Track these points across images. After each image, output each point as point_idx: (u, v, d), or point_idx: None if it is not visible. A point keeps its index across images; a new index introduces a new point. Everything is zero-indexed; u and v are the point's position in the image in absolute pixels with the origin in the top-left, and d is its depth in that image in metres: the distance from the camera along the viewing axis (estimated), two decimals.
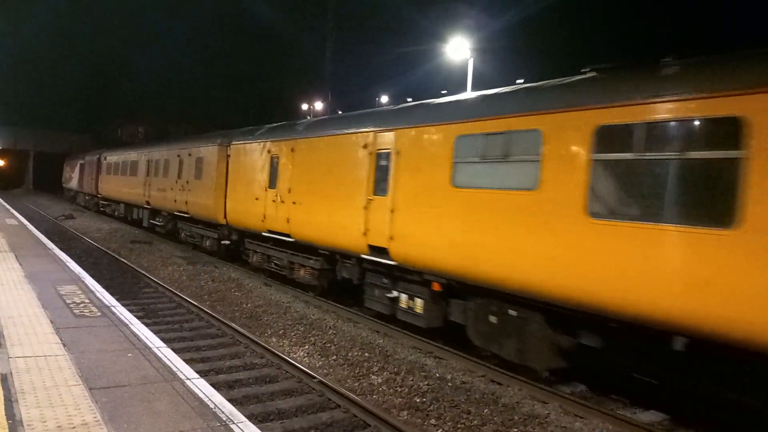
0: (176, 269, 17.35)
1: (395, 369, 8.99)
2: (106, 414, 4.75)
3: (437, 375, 8.78)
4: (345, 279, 12.55)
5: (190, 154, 20.65)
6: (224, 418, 4.87)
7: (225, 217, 17.75)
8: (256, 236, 16.02)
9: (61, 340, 6.67)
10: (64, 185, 52.01)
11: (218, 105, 71.24)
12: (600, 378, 8.58)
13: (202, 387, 5.59)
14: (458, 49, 22.89)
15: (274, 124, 17.05)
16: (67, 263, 12.40)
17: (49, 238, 17.46)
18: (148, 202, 25.15)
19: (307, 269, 13.96)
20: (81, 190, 42.34)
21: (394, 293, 10.91)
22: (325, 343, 10.29)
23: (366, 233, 11.13)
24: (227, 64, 76.99)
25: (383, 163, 10.98)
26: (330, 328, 11.27)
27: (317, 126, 14.34)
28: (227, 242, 18.12)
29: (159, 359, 6.33)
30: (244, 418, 4.95)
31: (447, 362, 9.48)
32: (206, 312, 12.06)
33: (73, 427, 4.45)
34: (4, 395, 4.95)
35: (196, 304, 12.70)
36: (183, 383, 5.64)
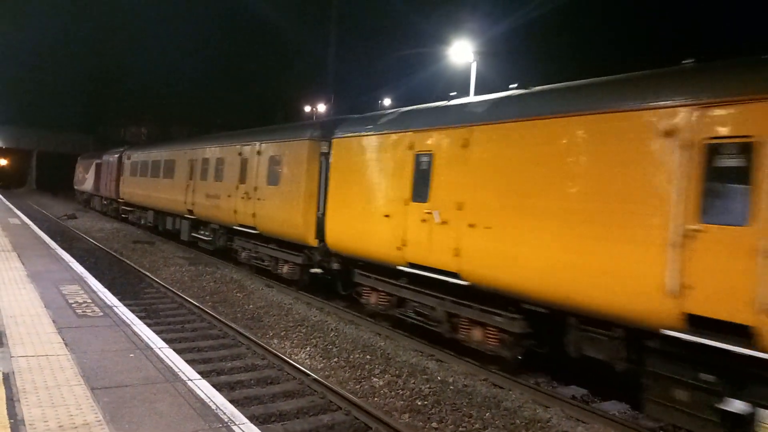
0: (178, 269, 17.35)
1: (397, 372, 8.97)
2: (108, 414, 4.75)
3: (439, 378, 8.76)
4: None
5: (259, 152, 15.97)
6: (226, 420, 4.86)
7: (319, 237, 13.27)
8: (378, 269, 11.45)
9: (63, 339, 6.67)
10: (76, 187, 47.70)
11: (220, 106, 71.29)
12: (602, 382, 8.55)
13: (203, 388, 5.58)
14: (461, 52, 22.89)
15: (410, 108, 11.85)
16: (70, 263, 12.40)
17: (52, 238, 17.47)
18: (190, 211, 20.56)
19: (495, 334, 9.11)
20: (96, 193, 38.07)
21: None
22: (326, 345, 10.28)
23: (684, 292, 6.33)
24: (229, 65, 77.10)
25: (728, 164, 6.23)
26: (332, 330, 11.26)
27: (530, 101, 8.83)
28: (318, 270, 13.83)
29: (161, 360, 6.32)
30: (245, 420, 4.94)
31: (449, 366, 9.46)
32: (208, 313, 12.06)
33: (75, 427, 4.45)
34: (6, 394, 4.95)
35: (197, 304, 12.70)
36: (185, 384, 5.63)
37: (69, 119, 68.66)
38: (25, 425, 4.41)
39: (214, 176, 18.90)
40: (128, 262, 18.04)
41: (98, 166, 37.05)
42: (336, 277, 13.53)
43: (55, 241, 16.97)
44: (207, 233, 19.71)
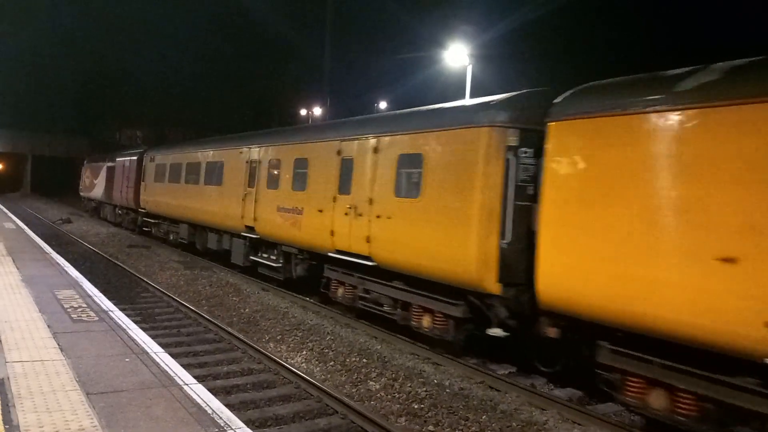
0: (174, 273, 17.32)
1: (393, 375, 8.97)
2: (104, 419, 4.74)
3: (435, 381, 8.76)
4: None
5: (377, 150, 11.15)
6: (222, 424, 4.86)
7: (503, 279, 8.65)
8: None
9: (58, 344, 6.66)
10: (82, 194, 42.58)
11: (216, 109, 71.25)
12: (598, 384, 8.56)
13: (199, 392, 5.57)
14: (457, 55, 22.95)
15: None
16: (65, 267, 12.37)
17: (47, 242, 17.43)
18: (250, 228, 15.79)
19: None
20: (108, 201, 32.75)
21: None
22: (323, 349, 10.27)
23: None
24: (225, 68, 77.07)
25: None
26: (328, 333, 11.26)
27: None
28: (498, 332, 9.00)
29: (157, 364, 6.31)
30: (241, 424, 4.94)
31: (445, 369, 9.46)
32: (204, 317, 12.04)
33: None
34: (2, 400, 4.94)
35: (193, 308, 12.67)
36: (181, 388, 5.62)
37: (63, 123, 68.49)
38: (20, 431, 4.40)
39: (291, 183, 14.14)
40: (124, 266, 18.00)
41: (110, 170, 32.26)
42: (566, 358, 8.74)
43: (50, 245, 16.93)
44: (275, 258, 14.94)
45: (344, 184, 11.94)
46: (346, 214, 11.64)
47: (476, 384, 8.79)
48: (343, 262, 11.99)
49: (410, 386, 8.50)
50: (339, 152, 12.27)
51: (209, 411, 5.11)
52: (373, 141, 11.32)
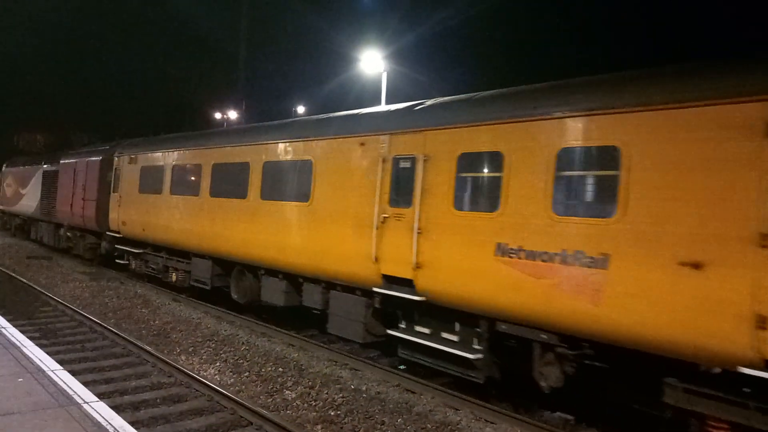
0: (78, 285, 16.38)
1: (310, 383, 8.89)
2: None
3: (352, 387, 8.76)
4: None
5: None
6: None
7: None
8: None
9: None
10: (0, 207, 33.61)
11: (123, 113, 68.10)
12: (510, 382, 8.84)
13: (101, 410, 5.29)
14: (372, 61, 23.16)
15: None
16: None
17: None
18: (398, 281, 8.94)
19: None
20: (47, 218, 24.32)
21: None
22: (237, 360, 10.03)
23: None
24: (133, 68, 73.82)
25: None
26: (243, 343, 11.00)
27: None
28: None
29: (54, 383, 5.94)
30: None
31: (362, 373, 9.48)
32: (111, 330, 11.44)
33: None
34: None
35: (99, 322, 12.02)
36: (80, 407, 5.31)
37: None
38: None
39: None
40: (21, 279, 16.83)
41: (49, 177, 24.23)
42: None
43: None
44: (462, 338, 8.38)
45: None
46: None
47: (392, 387, 8.85)
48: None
49: (327, 393, 8.45)
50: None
51: (111, 430, 4.86)
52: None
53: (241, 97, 51.61)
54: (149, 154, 16.61)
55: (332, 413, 7.75)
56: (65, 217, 21.82)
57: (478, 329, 8.03)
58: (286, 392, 8.53)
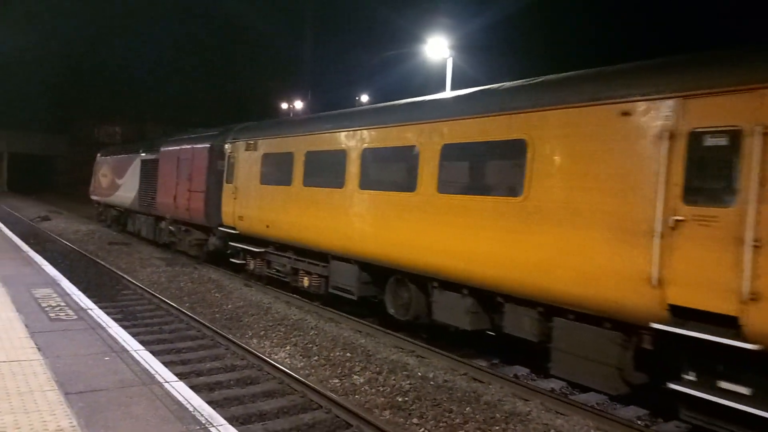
0: (155, 270, 17.14)
1: (377, 368, 8.96)
2: (82, 419, 4.66)
3: (419, 374, 8.77)
4: None
5: None
6: (203, 421, 4.80)
7: None
8: None
9: (36, 344, 6.54)
10: (94, 197, 32.08)
11: (195, 105, 70.35)
12: None
13: (180, 390, 5.51)
14: (437, 48, 22.93)
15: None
16: (43, 266, 12.17)
17: (24, 241, 17.15)
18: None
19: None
20: (146, 211, 22.66)
21: None
22: (306, 344, 10.24)
23: None
24: (201, 62, 76.01)
25: None
26: (312, 328, 11.22)
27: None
28: None
29: (137, 362, 6.23)
30: (223, 421, 4.90)
31: (429, 361, 9.48)
32: (186, 314, 11.93)
33: None
34: None
35: (175, 305, 12.54)
36: (161, 386, 5.55)
37: (40, 120, 67.37)
38: None
39: None
40: (104, 263, 17.76)
41: (148, 165, 22.70)
42: None
43: (28, 243, 16.66)
44: None
45: None
46: None
47: (460, 376, 8.81)
48: None
49: (394, 379, 8.51)
50: None
51: (191, 408, 5.05)
52: None
53: (306, 87, 52.34)
54: (274, 139, 14.28)
55: (400, 399, 7.79)
56: (167, 209, 20.05)
57: None
58: (355, 377, 8.64)
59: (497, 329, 8.86)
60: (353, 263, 11.37)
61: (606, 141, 7.00)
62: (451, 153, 9.20)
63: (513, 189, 8.03)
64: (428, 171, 9.42)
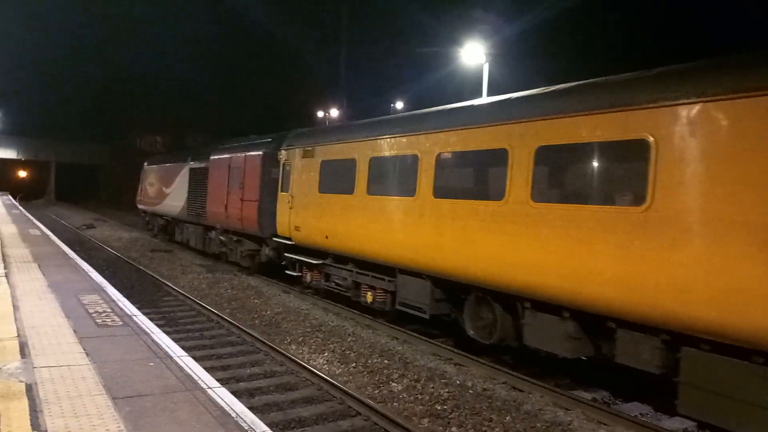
0: (196, 277, 17.46)
1: (415, 376, 8.94)
2: (130, 424, 4.77)
3: (458, 382, 8.71)
4: None
5: None
6: (246, 427, 4.86)
7: None
8: None
9: (84, 349, 6.73)
10: (141, 207, 31.40)
11: (232, 114, 71.76)
12: (623, 383, 8.45)
13: (223, 396, 5.59)
14: (473, 53, 22.83)
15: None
16: (89, 273, 12.52)
17: (71, 248, 17.67)
18: None
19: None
20: (194, 220, 22.11)
21: None
22: (344, 351, 10.28)
23: None
24: (240, 72, 77.59)
25: None
26: (349, 335, 11.26)
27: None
28: None
29: (180, 368, 6.35)
30: (265, 427, 4.95)
31: (467, 369, 9.41)
32: (226, 320, 12.12)
33: None
34: (30, 405, 5.00)
35: (216, 311, 12.76)
36: (204, 392, 5.64)
37: (84, 130, 69.77)
38: None
39: None
40: (146, 270, 18.19)
41: (197, 174, 22.05)
42: None
43: (74, 251, 17.16)
44: None
45: None
46: None
47: (499, 384, 8.72)
48: None
49: (433, 387, 8.47)
50: None
51: (233, 414, 5.12)
52: None
53: (342, 95, 52.75)
54: (334, 146, 13.46)
55: (438, 408, 7.75)
56: (218, 219, 19.45)
57: None
58: (393, 384, 8.63)
59: (604, 357, 7.84)
60: (425, 278, 10.39)
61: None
62: (547, 156, 8.13)
63: (637, 198, 6.88)
64: (520, 177, 8.31)
